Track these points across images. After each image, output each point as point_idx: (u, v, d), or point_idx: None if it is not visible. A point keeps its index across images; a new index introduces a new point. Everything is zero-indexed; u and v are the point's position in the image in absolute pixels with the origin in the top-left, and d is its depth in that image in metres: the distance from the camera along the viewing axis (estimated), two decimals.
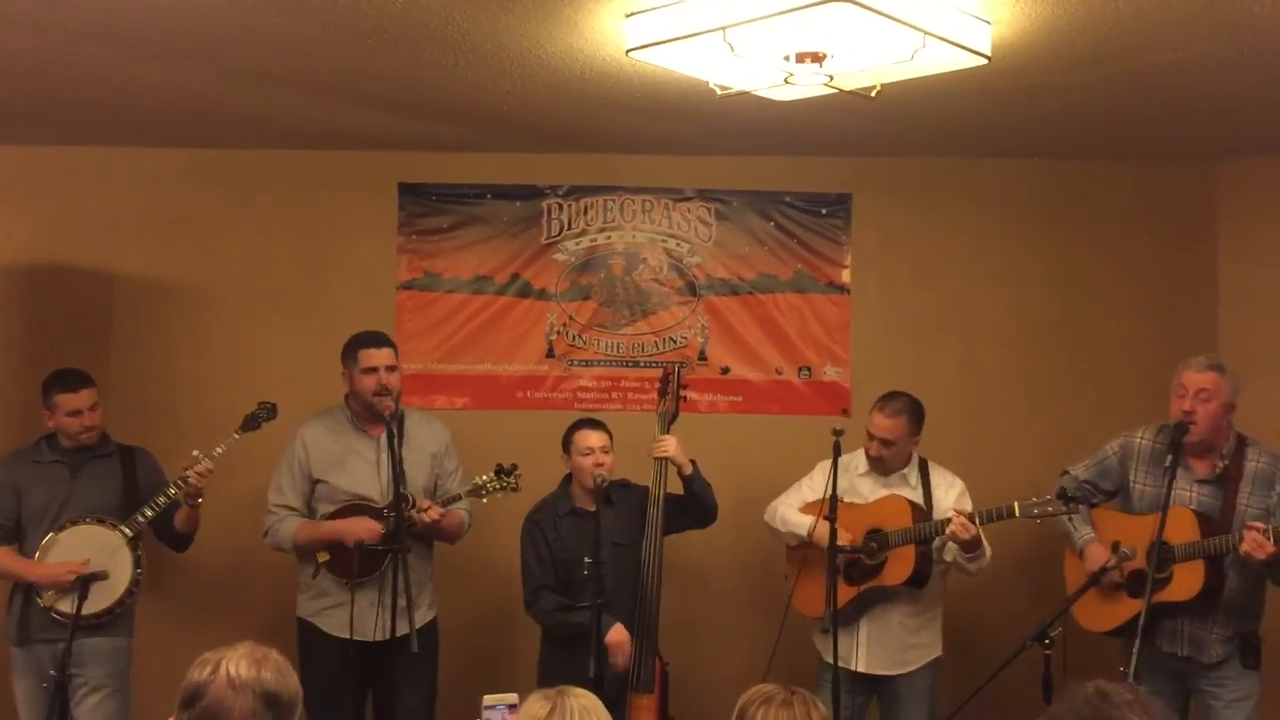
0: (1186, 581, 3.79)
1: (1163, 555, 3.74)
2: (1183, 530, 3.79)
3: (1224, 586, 3.80)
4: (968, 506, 4.12)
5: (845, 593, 4.09)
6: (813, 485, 4.32)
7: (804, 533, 4.19)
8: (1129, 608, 3.85)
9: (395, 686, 4.17)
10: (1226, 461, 3.91)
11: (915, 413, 4.19)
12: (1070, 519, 4.07)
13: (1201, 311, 5.15)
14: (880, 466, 4.22)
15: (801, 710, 2.33)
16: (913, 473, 4.25)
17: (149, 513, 4.15)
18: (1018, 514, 3.91)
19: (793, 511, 4.29)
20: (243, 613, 4.82)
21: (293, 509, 4.22)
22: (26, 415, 4.73)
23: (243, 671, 2.09)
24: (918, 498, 4.19)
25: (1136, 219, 5.20)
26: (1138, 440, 4.09)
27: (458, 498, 4.16)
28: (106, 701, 4.16)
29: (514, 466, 4.15)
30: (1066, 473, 4.21)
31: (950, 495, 4.20)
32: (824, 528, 4.01)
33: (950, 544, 4.05)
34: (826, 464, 4.18)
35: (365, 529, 4.05)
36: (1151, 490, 3.98)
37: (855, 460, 4.26)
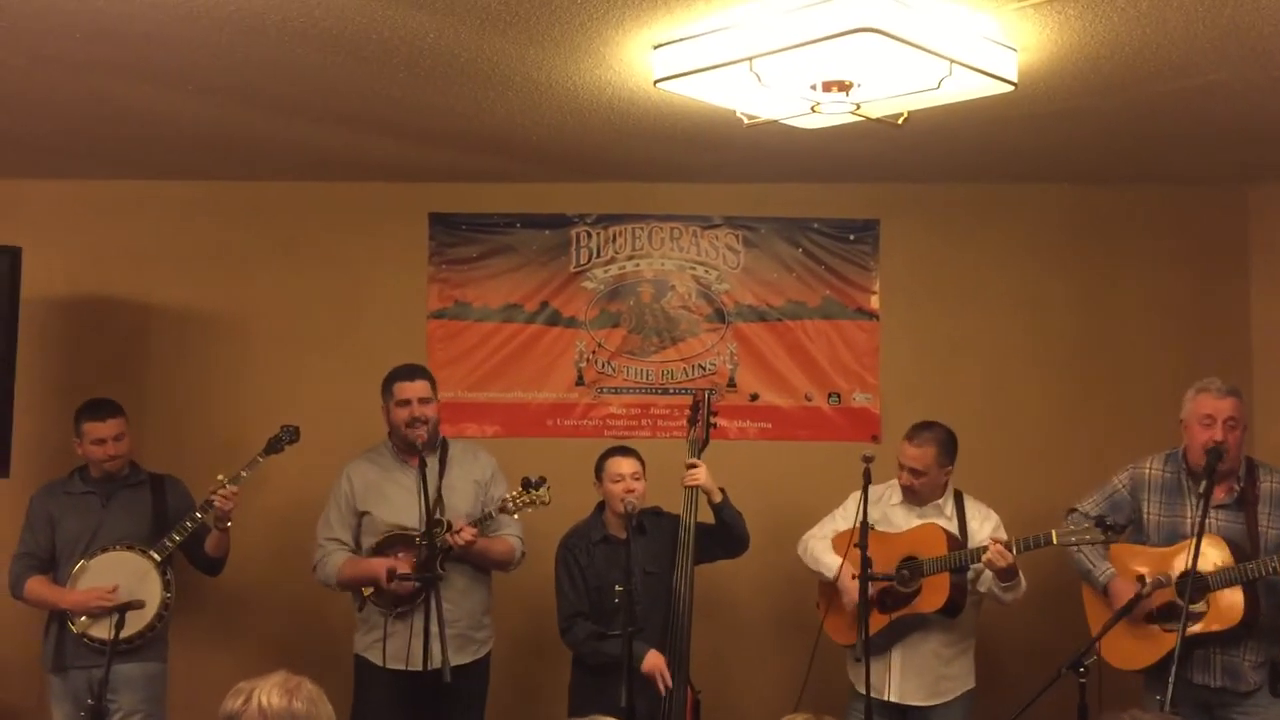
0: (1226, 609, 3.72)
1: (1196, 585, 3.66)
2: (1215, 558, 3.73)
3: (1260, 612, 3.75)
4: (1003, 538, 4.09)
5: (878, 621, 4.05)
6: (846, 515, 4.30)
7: (830, 575, 4.18)
8: (1163, 643, 3.75)
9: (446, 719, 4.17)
10: (1243, 484, 3.87)
11: (946, 443, 4.17)
12: (1087, 556, 4.02)
13: (1233, 338, 5.11)
14: (912, 496, 4.20)
15: None
16: (948, 503, 4.22)
17: (176, 537, 4.20)
18: (1055, 541, 3.86)
19: (824, 549, 4.26)
20: (274, 635, 4.85)
21: (341, 542, 4.25)
22: (66, 445, 4.78)
23: (274, 702, 2.11)
24: (953, 528, 4.16)
25: (1166, 244, 5.17)
26: (1147, 471, 4.03)
27: (489, 516, 4.17)
28: None
29: (542, 479, 4.14)
30: (1074, 510, 4.15)
31: (985, 527, 4.16)
32: (849, 571, 4.03)
33: (985, 573, 4.01)
34: (858, 493, 4.17)
35: (394, 567, 4.07)
36: (1168, 520, 3.94)
37: (889, 490, 4.24)
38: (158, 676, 4.28)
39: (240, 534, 4.33)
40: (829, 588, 4.27)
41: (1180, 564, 3.72)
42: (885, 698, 4.08)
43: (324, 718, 2.16)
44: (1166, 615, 3.80)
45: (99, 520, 4.27)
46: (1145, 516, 4.00)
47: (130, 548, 4.21)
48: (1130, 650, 3.85)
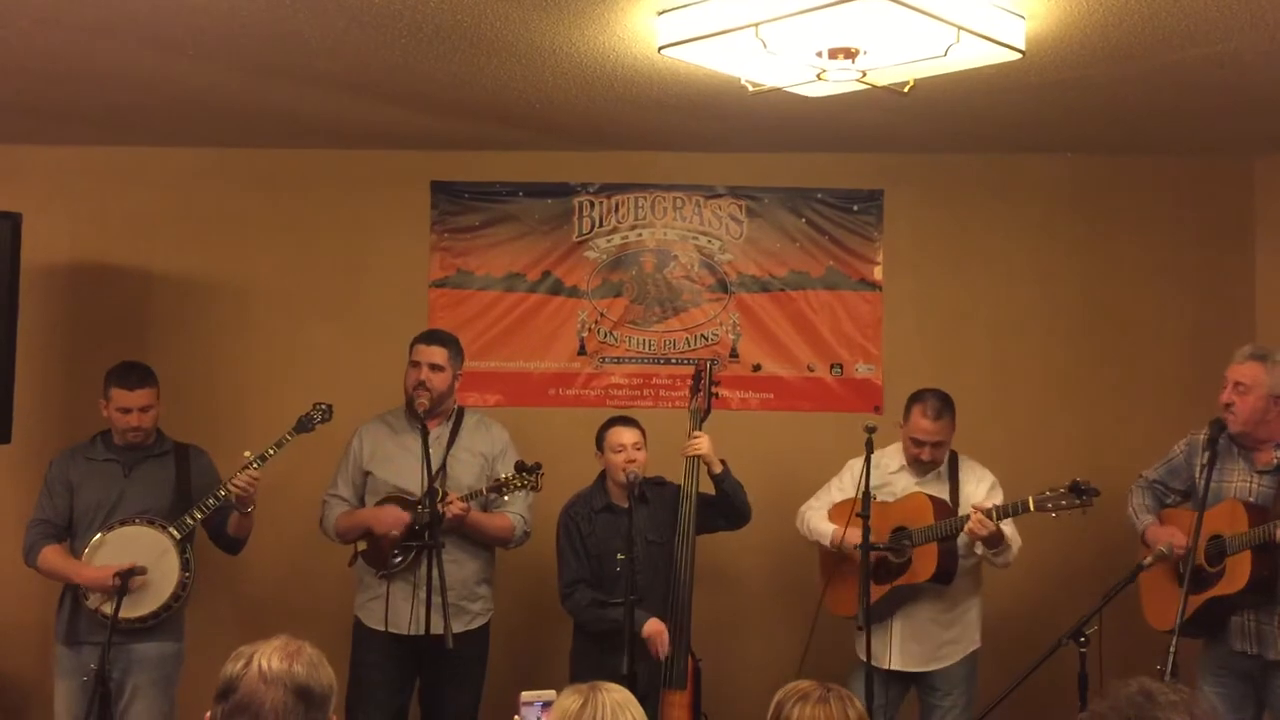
0: (1235, 573, 3.77)
1: (1218, 549, 3.78)
2: (1235, 522, 3.78)
3: (1278, 576, 3.75)
4: (998, 500, 4.13)
5: (875, 591, 4.09)
6: (842, 486, 4.32)
7: (827, 541, 4.22)
8: (1193, 605, 3.80)
9: (441, 688, 4.21)
10: None
11: (952, 408, 4.19)
12: (1134, 511, 4.12)
13: (1238, 308, 5.10)
14: (918, 465, 4.21)
15: (838, 707, 2.33)
16: (944, 467, 4.24)
17: (198, 515, 4.09)
18: (1032, 508, 3.93)
19: (819, 518, 4.30)
20: (300, 616, 4.80)
21: (342, 498, 4.31)
22: (68, 412, 4.81)
23: (274, 665, 2.10)
24: (945, 493, 4.19)
25: (1172, 215, 5.15)
26: (1201, 437, 4.06)
27: (479, 493, 4.17)
28: (152, 708, 4.11)
29: (536, 465, 4.14)
30: (1141, 476, 4.21)
31: (980, 490, 4.19)
32: (849, 534, 4.06)
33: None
34: (855, 462, 4.21)
35: (392, 518, 4.11)
36: (1214, 484, 3.94)
37: (886, 457, 4.24)
38: (172, 656, 4.17)
39: (265, 508, 4.27)
40: (829, 559, 4.29)
41: (1212, 527, 3.78)
42: (886, 666, 4.11)
43: (324, 681, 2.15)
44: (1194, 579, 3.81)
45: (120, 490, 4.13)
46: (1198, 481, 4.02)
47: (150, 523, 4.08)
48: (1166, 610, 3.88)
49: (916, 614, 4.16)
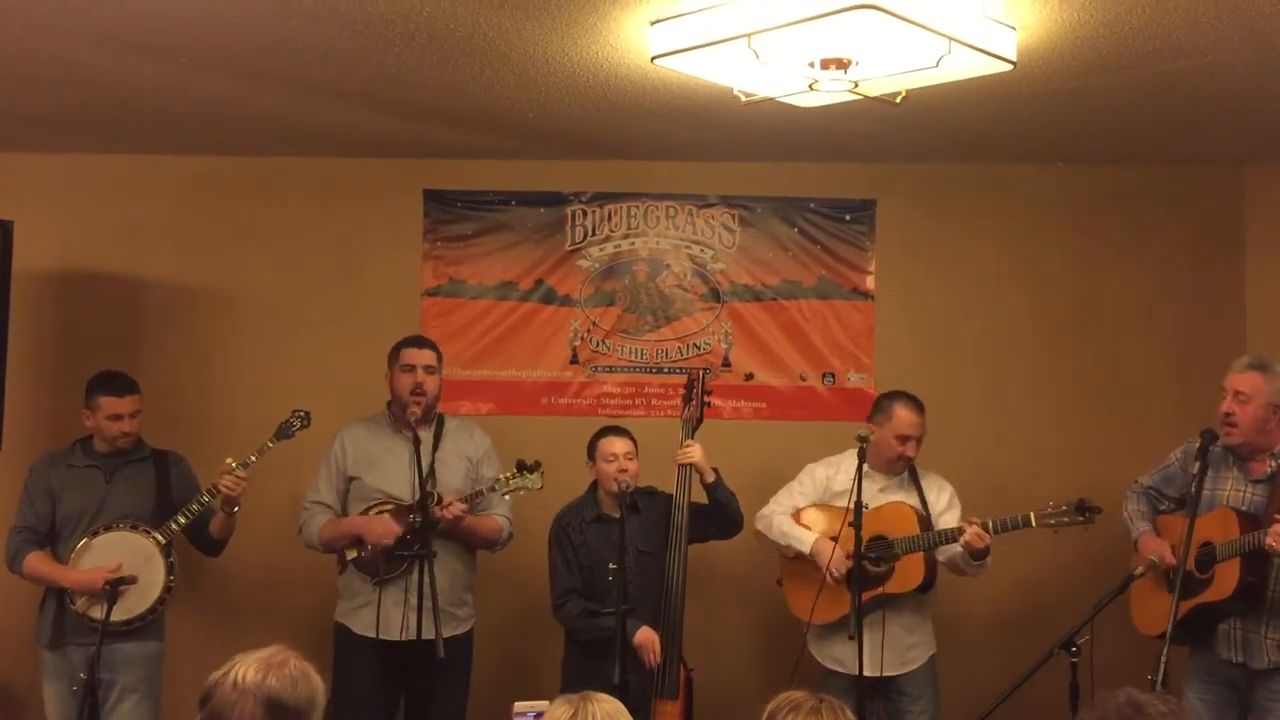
0: (1223, 580, 3.78)
1: (1207, 556, 3.79)
2: (1226, 529, 3.80)
3: (1266, 584, 3.76)
4: (958, 510, 4.19)
5: (847, 599, 4.07)
6: (803, 490, 4.35)
7: (805, 548, 4.20)
8: (1181, 610, 3.81)
9: (429, 693, 4.20)
10: (1277, 462, 3.89)
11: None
12: (1130, 518, 4.12)
13: (1228, 318, 5.11)
14: (896, 469, 4.24)
15: (830, 717, 2.32)
16: (905, 476, 4.29)
17: (182, 520, 4.14)
18: (1034, 523, 3.95)
19: (790, 523, 4.29)
20: (279, 618, 4.82)
21: (326, 505, 4.29)
22: (59, 419, 4.79)
23: (248, 677, 2.12)
24: (915, 501, 4.23)
25: (1162, 225, 5.16)
26: (1198, 446, 4.07)
27: (479, 494, 4.17)
28: (139, 706, 4.15)
29: (537, 463, 4.16)
30: (1136, 482, 4.22)
31: (942, 499, 4.26)
32: (825, 544, 4.10)
33: (950, 548, 4.09)
34: (815, 467, 4.34)
35: (383, 529, 4.10)
36: (1209, 492, 3.96)
37: (846, 460, 4.23)
38: (155, 656, 4.22)
39: (244, 512, 4.27)
40: (792, 564, 4.30)
41: (1203, 534, 3.79)
42: (855, 673, 4.10)
43: (303, 695, 2.14)
44: (1184, 585, 3.81)
45: (103, 496, 4.18)
46: (1192, 489, 4.02)
47: (135, 528, 4.12)
48: (1156, 616, 3.91)
49: (888, 620, 4.15)
